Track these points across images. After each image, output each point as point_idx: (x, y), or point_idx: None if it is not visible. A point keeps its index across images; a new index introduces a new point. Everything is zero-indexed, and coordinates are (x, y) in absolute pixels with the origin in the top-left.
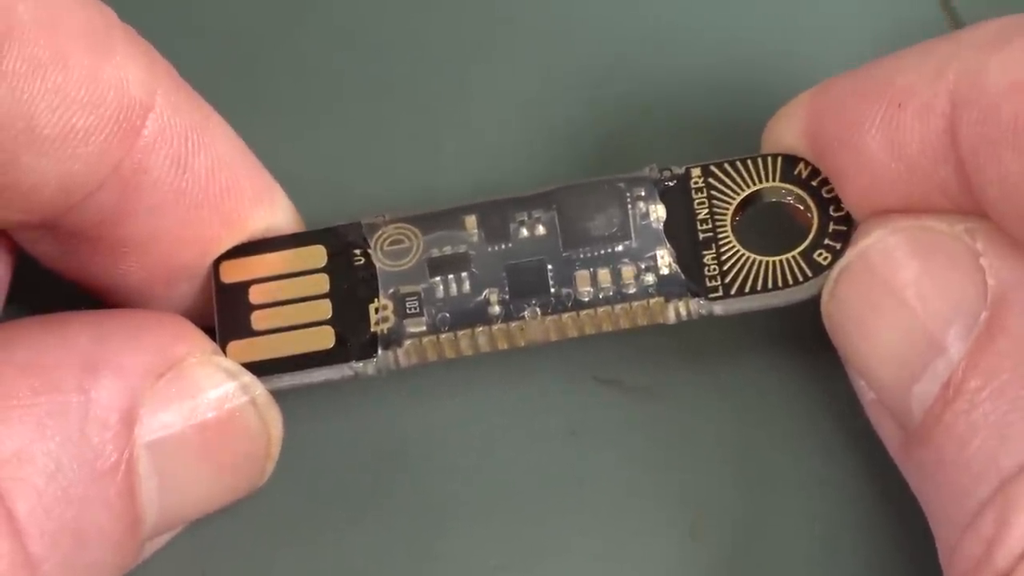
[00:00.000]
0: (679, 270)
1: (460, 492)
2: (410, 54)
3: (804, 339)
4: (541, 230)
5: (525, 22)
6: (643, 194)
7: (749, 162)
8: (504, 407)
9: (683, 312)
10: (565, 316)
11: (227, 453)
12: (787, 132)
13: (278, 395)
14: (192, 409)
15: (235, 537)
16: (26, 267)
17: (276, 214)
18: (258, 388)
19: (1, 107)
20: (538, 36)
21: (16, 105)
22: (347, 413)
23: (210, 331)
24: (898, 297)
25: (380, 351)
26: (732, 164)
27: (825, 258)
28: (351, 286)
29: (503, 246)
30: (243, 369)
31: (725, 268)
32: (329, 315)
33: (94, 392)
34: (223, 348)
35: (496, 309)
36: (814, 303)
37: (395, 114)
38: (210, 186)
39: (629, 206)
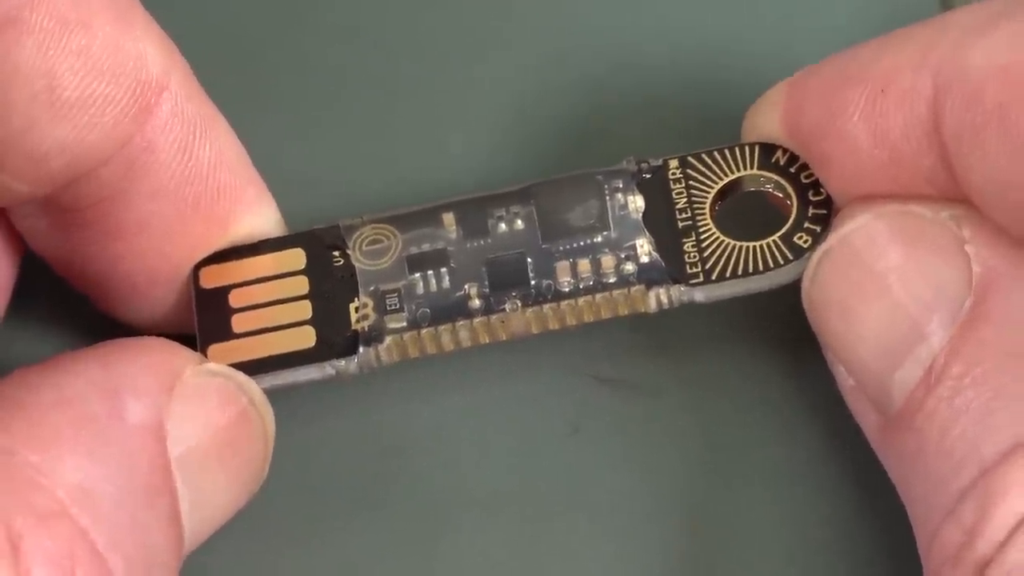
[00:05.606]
0: (659, 258)
1: (461, 490)
2: (403, 52)
3: (804, 337)
4: (520, 224)
5: (508, 21)
6: (620, 186)
7: (727, 152)
8: (505, 405)
9: (664, 300)
10: (546, 307)
11: (239, 457)
12: (767, 120)
13: (271, 397)
14: (204, 418)
15: (236, 539)
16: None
17: (264, 221)
18: (253, 386)
19: (25, 62)
20: (524, 34)
21: (40, 62)
22: (347, 412)
23: (183, 342)
24: (881, 282)
25: (361, 348)
26: (709, 154)
27: (805, 241)
28: (331, 287)
29: (482, 241)
30: (235, 370)
31: (705, 255)
32: (309, 315)
33: (125, 415)
34: (204, 352)
35: (476, 303)
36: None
37: (388, 110)
38: (210, 180)
39: (607, 198)
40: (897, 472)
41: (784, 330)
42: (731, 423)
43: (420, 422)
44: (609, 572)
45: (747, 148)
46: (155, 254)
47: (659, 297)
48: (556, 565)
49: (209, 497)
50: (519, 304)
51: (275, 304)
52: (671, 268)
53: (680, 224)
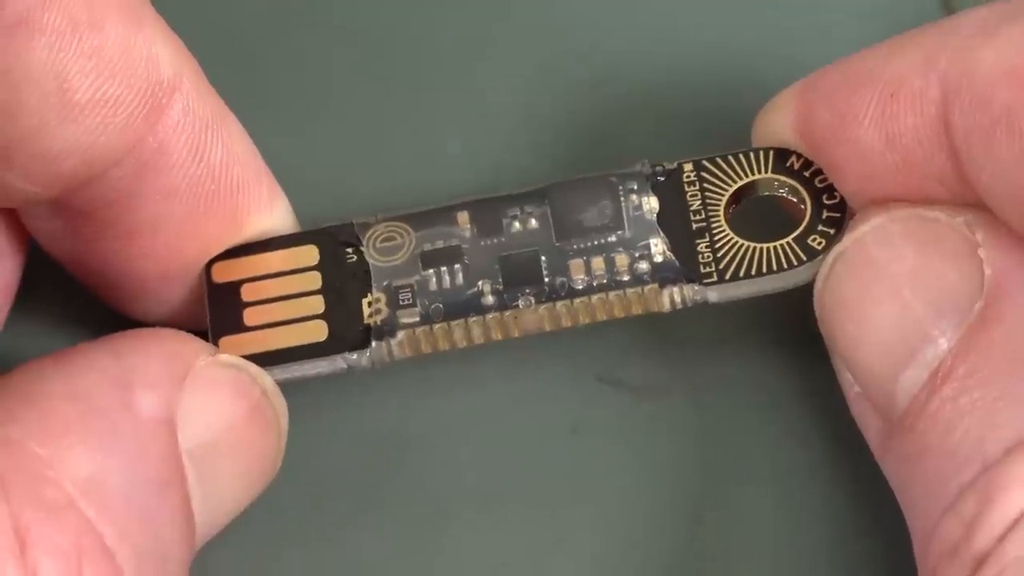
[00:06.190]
0: (673, 257)
1: (463, 489)
2: (408, 52)
3: (806, 339)
4: (534, 223)
5: (517, 21)
6: (635, 187)
7: (741, 156)
8: (506, 404)
9: (678, 299)
10: (559, 304)
11: (252, 449)
12: (778, 125)
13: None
14: (216, 410)
15: (237, 534)
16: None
17: (276, 219)
18: (266, 378)
19: (36, 63)
20: (532, 35)
21: (52, 63)
22: (350, 409)
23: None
24: (893, 285)
25: (374, 342)
26: (724, 158)
27: (819, 243)
28: (343, 282)
29: (496, 239)
30: (247, 362)
31: (719, 255)
32: (322, 309)
33: (136, 407)
34: (216, 344)
35: (490, 299)
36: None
37: (394, 111)
38: (222, 180)
39: (622, 199)
40: (896, 478)
41: (787, 334)
42: (732, 425)
43: (421, 419)
44: (609, 572)
45: (762, 153)
46: (168, 253)
47: (673, 296)
48: (557, 564)
49: (221, 490)
50: (532, 301)
51: (287, 299)
52: (685, 268)
53: (694, 225)
